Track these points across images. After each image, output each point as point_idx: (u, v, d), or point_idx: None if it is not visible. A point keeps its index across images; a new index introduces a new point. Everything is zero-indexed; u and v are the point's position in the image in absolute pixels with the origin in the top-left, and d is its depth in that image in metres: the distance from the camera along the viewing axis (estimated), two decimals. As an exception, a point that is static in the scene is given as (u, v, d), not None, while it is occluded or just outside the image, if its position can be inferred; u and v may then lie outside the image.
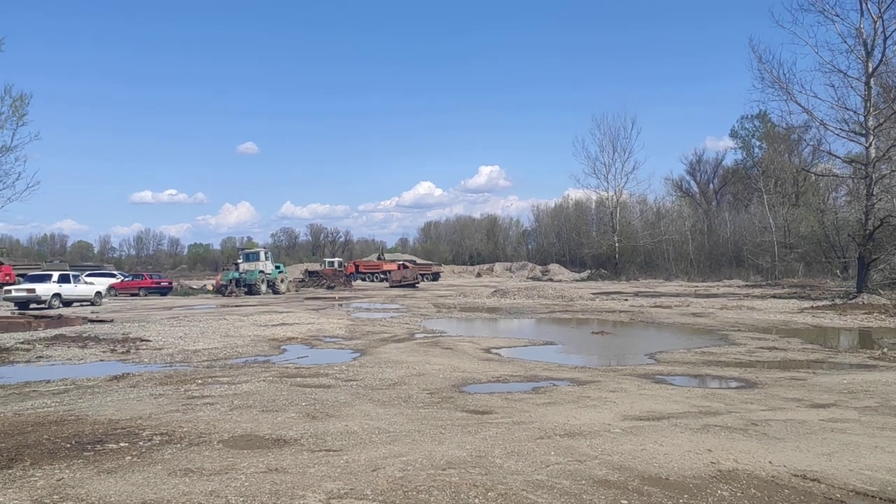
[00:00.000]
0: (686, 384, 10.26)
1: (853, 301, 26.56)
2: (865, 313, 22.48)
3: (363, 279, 69.09)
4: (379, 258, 77.76)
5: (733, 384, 10.21)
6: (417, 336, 17.21)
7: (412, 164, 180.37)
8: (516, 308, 28.35)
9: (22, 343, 15.09)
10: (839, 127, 30.47)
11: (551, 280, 68.33)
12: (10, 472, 5.39)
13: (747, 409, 8.02)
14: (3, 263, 45.39)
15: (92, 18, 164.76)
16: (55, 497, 4.78)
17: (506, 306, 29.41)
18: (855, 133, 30.11)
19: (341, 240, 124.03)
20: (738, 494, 4.91)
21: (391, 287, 53.59)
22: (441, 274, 77.58)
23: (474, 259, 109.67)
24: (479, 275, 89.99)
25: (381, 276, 67.29)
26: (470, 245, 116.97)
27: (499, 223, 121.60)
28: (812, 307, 25.41)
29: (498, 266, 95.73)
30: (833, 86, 30.03)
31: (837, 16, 29.28)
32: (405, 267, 64.15)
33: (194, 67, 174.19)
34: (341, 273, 61.12)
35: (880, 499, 4.88)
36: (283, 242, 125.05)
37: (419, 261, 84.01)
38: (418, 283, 56.18)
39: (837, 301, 27.31)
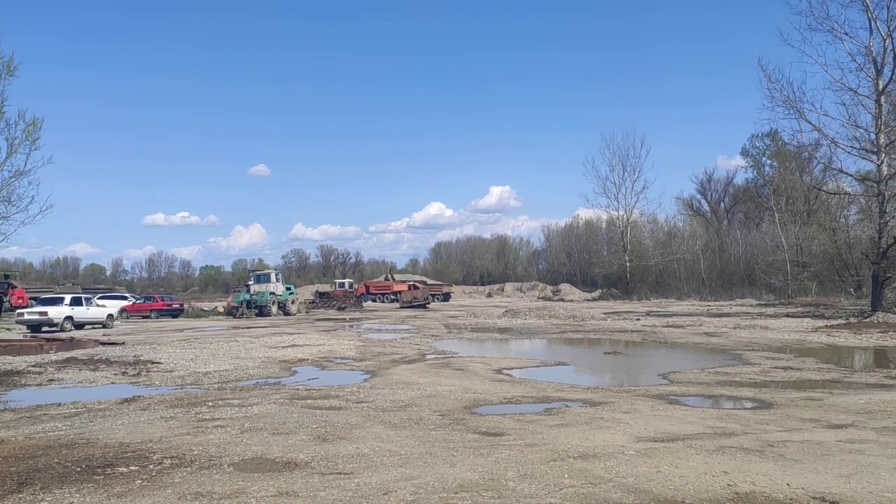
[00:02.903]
0: (700, 405, 10.15)
1: (868, 320, 26.33)
2: (881, 332, 22.25)
3: (374, 300, 69.10)
4: (386, 279, 77.77)
5: (748, 405, 10.08)
6: (428, 357, 17.13)
7: (423, 184, 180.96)
8: (527, 328, 28.22)
9: (34, 366, 15.12)
10: (850, 145, 30.37)
11: (562, 300, 68.16)
12: (20, 496, 5.37)
13: (763, 429, 7.91)
14: (16, 287, 45.66)
15: (103, 43, 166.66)
16: (65, 522, 4.75)
17: (517, 326, 29.29)
18: (866, 151, 29.99)
19: (352, 261, 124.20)
20: (756, 518, 4.82)
21: (402, 308, 53.53)
22: (451, 294, 77.50)
23: (485, 279, 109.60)
24: (489, 295, 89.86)
25: (392, 296, 67.28)
26: (480, 265, 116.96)
27: (509, 243, 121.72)
28: (826, 326, 25.17)
29: (508, 286, 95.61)
30: (843, 104, 29.95)
31: (846, 34, 29.29)
32: (415, 288, 64.08)
33: (206, 90, 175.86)
34: (352, 294, 61.16)
35: (902, 522, 4.78)
36: (294, 264, 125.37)
37: (429, 281, 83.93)
38: (429, 303, 56.09)
39: (852, 320, 27.06)
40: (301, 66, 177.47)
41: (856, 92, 29.20)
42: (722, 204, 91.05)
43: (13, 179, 28.41)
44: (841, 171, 35.10)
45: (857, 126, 29.62)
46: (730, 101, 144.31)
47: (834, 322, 26.81)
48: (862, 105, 29.37)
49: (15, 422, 8.83)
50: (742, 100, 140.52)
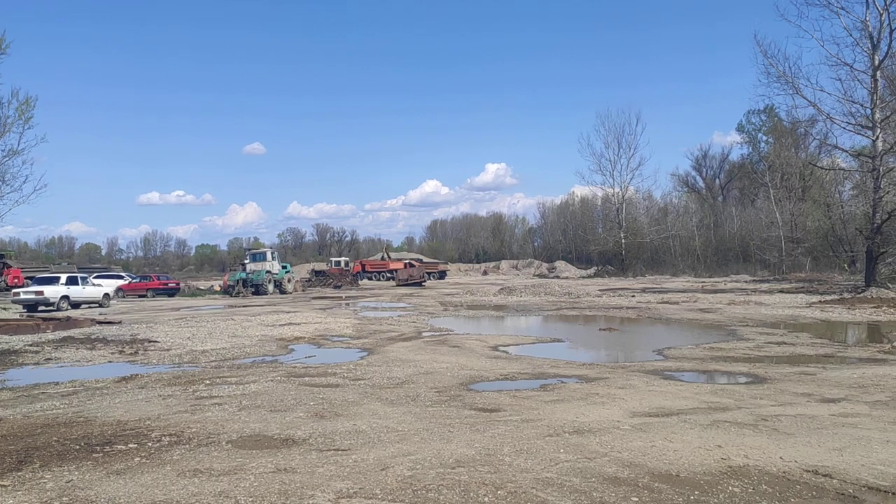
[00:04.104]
0: (695, 380, 10.22)
1: (861, 295, 26.47)
2: (874, 307, 22.38)
3: (370, 278, 69.08)
4: (383, 258, 77.72)
5: (742, 380, 10.16)
6: (425, 334, 17.19)
7: (418, 162, 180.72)
8: (523, 305, 28.31)
9: (30, 345, 15.13)
10: (846, 120, 30.36)
11: (558, 277, 68.31)
12: (19, 474, 5.40)
13: (757, 404, 7.98)
14: (11, 266, 45.55)
15: (97, 22, 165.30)
16: (64, 499, 4.78)
17: (512, 304, 29.38)
18: (862, 126, 29.95)
19: (347, 239, 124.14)
20: (750, 490, 4.88)
21: (398, 286, 53.59)
22: (447, 272, 77.56)
23: (480, 257, 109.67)
24: (485, 273, 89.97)
25: (388, 274, 67.27)
26: (476, 243, 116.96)
27: (505, 221, 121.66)
28: (820, 301, 25.30)
29: (504, 264, 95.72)
30: (839, 79, 29.90)
31: (843, 9, 29.13)
32: (411, 266, 64.08)
33: (200, 69, 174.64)
34: (348, 272, 61.13)
35: (893, 493, 4.85)
36: (290, 242, 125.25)
37: (425, 259, 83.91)
38: (425, 281, 56.16)
39: (846, 295, 27.21)
40: (295, 45, 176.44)
41: (852, 67, 29.15)
42: (717, 180, 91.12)
43: (7, 158, 28.32)
44: (836, 146, 35.14)
45: (853, 101, 29.60)
46: (726, 79, 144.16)
47: (828, 297, 26.95)
48: (858, 80, 29.34)
49: (13, 400, 8.85)
50: (738, 77, 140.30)
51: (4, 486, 5.09)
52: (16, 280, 41.13)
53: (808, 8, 30.34)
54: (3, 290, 40.67)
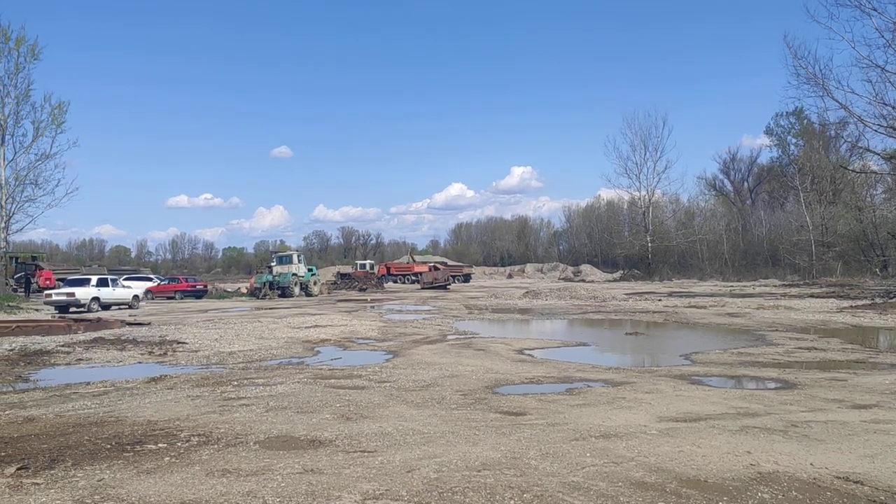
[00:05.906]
0: (723, 385, 10.11)
1: (894, 300, 25.99)
2: (907, 312, 21.96)
3: (394, 281, 69.30)
4: (408, 261, 77.89)
5: (772, 385, 10.03)
6: (450, 337, 17.19)
7: (444, 166, 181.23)
8: (548, 309, 28.20)
9: (62, 346, 15.37)
10: (877, 123, 29.85)
11: (583, 281, 67.94)
12: (52, 472, 5.49)
13: (787, 410, 7.87)
14: (43, 268, 46.36)
15: (126, 25, 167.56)
16: (96, 497, 4.85)
17: (538, 307, 29.28)
18: (894, 129, 29.44)
19: (372, 242, 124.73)
20: (779, 497, 4.82)
21: (422, 289, 53.67)
22: (472, 275, 77.52)
23: (505, 260, 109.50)
24: (510, 276, 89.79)
25: (413, 277, 67.44)
26: (501, 246, 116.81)
27: (530, 224, 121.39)
28: (851, 306, 24.89)
29: (529, 267, 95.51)
30: (871, 81, 29.41)
31: (874, 10, 28.63)
32: (436, 269, 64.17)
33: (229, 73, 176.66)
34: (373, 275, 61.36)
35: (927, 502, 4.75)
36: (316, 245, 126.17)
37: (450, 262, 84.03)
38: (449, 284, 56.21)
39: (877, 300, 26.73)
40: (323, 49, 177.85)
41: (883, 69, 28.65)
42: (746, 184, 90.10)
43: (39, 162, 28.84)
44: (867, 149, 34.61)
45: (885, 104, 29.09)
46: (755, 81, 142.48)
47: (859, 302, 26.51)
48: (889, 82, 28.84)
49: (45, 400, 9.00)
50: (767, 79, 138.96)
51: (38, 483, 5.18)
52: (48, 282, 41.83)
53: (838, 9, 29.89)
54: (35, 291, 41.42)
